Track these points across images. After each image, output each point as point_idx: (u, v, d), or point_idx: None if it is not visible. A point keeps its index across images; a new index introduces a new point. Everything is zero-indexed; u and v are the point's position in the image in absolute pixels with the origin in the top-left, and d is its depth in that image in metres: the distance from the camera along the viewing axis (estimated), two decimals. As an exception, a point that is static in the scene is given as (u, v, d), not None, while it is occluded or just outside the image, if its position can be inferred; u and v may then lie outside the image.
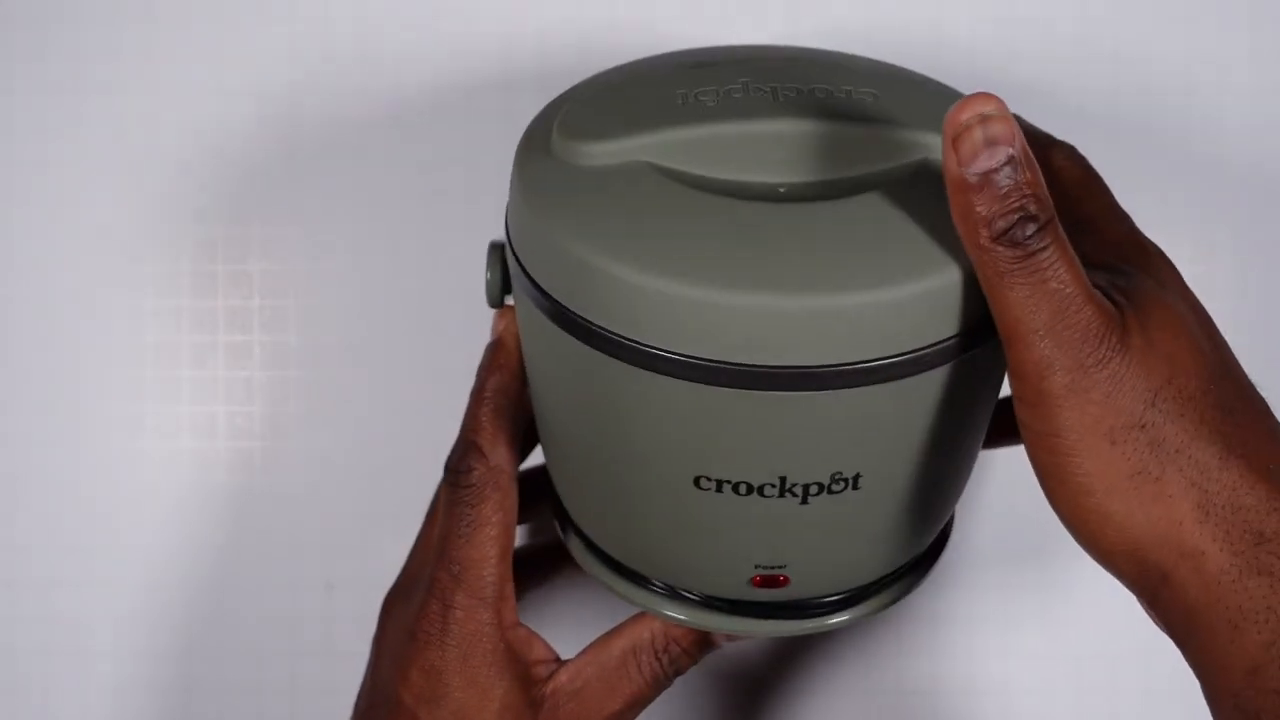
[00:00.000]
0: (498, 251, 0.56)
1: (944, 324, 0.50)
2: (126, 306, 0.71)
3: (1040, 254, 0.48)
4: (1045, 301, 0.48)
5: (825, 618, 0.58)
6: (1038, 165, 0.49)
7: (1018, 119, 0.57)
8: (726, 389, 0.50)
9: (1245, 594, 0.48)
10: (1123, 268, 0.52)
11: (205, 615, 0.71)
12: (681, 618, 0.58)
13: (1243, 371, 0.52)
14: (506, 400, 0.59)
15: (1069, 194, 0.55)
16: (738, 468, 0.52)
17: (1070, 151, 0.57)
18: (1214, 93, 0.70)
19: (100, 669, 0.71)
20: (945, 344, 0.50)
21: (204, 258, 0.71)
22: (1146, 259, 0.53)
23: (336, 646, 0.71)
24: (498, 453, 0.59)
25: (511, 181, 0.55)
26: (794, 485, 0.53)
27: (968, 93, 0.56)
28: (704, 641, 0.59)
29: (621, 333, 0.51)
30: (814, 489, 0.53)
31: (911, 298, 0.49)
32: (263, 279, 0.71)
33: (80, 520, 0.71)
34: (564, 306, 0.52)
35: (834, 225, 0.50)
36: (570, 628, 0.72)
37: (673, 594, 0.58)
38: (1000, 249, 0.48)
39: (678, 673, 0.59)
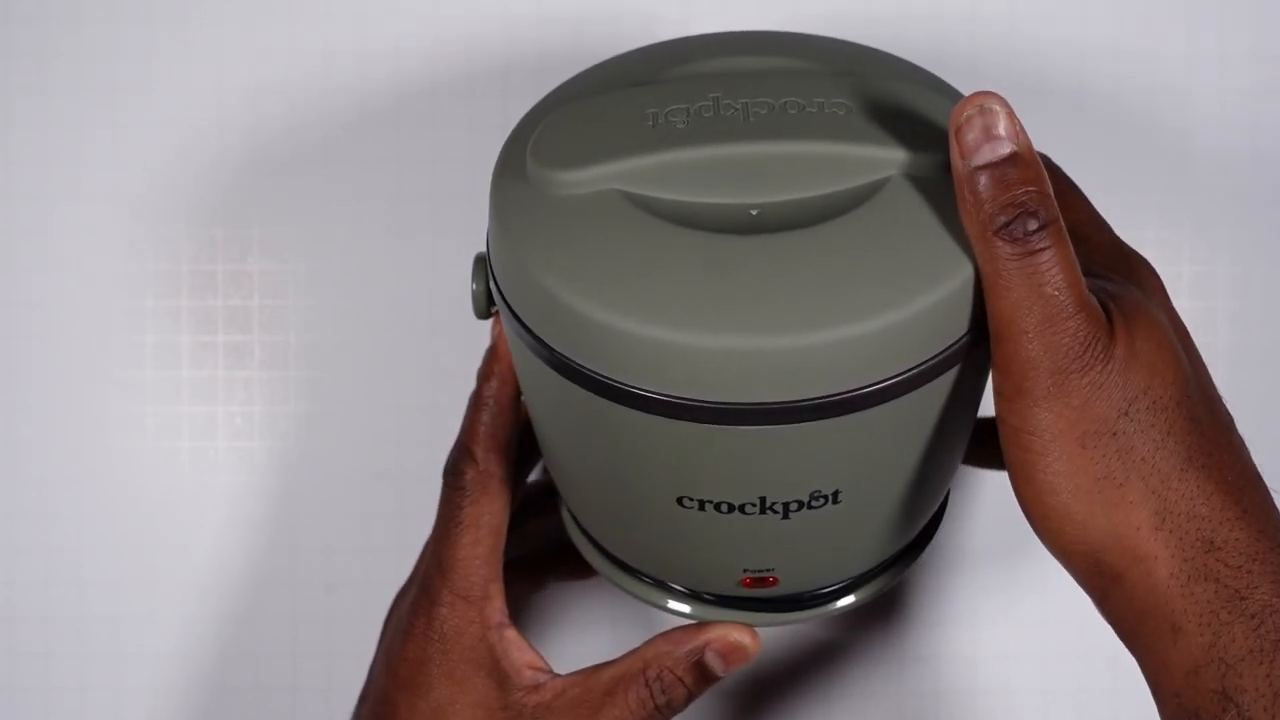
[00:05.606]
0: (483, 265, 0.56)
1: (914, 352, 0.51)
2: (126, 306, 0.71)
3: (1040, 254, 0.50)
4: (1039, 304, 0.50)
5: (821, 607, 0.59)
6: (1043, 167, 0.50)
7: None
8: (702, 425, 0.51)
9: (1190, 598, 0.50)
10: (1111, 275, 0.54)
11: (205, 615, 0.71)
12: (685, 609, 0.59)
13: (1212, 384, 0.54)
14: (500, 407, 0.60)
15: (1062, 205, 0.55)
16: (718, 491, 0.53)
17: (1046, 162, 0.57)
18: (1214, 91, 0.70)
19: (99, 669, 0.71)
20: (916, 370, 0.51)
21: (204, 258, 0.71)
22: (1132, 268, 0.55)
23: (336, 646, 0.71)
24: (489, 458, 0.60)
25: (490, 205, 0.55)
26: (774, 504, 0.53)
27: (948, 85, 0.56)
28: (701, 674, 0.58)
29: (594, 369, 0.51)
30: (794, 506, 0.53)
31: (882, 330, 0.50)
32: (263, 279, 0.71)
33: (79, 521, 0.71)
34: (540, 339, 0.52)
35: (804, 258, 0.50)
36: (569, 639, 0.72)
37: (671, 590, 0.59)
38: (1001, 244, 0.50)
39: (670, 704, 0.58)
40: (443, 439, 0.69)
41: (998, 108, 0.50)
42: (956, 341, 0.51)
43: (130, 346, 0.71)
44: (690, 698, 0.58)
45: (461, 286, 0.67)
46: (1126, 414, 0.50)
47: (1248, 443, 0.54)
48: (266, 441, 0.71)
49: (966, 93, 0.56)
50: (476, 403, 0.60)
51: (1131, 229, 0.70)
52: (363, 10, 0.70)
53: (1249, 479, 0.52)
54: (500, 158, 0.56)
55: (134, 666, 0.71)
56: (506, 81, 0.70)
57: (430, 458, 0.67)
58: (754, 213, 0.52)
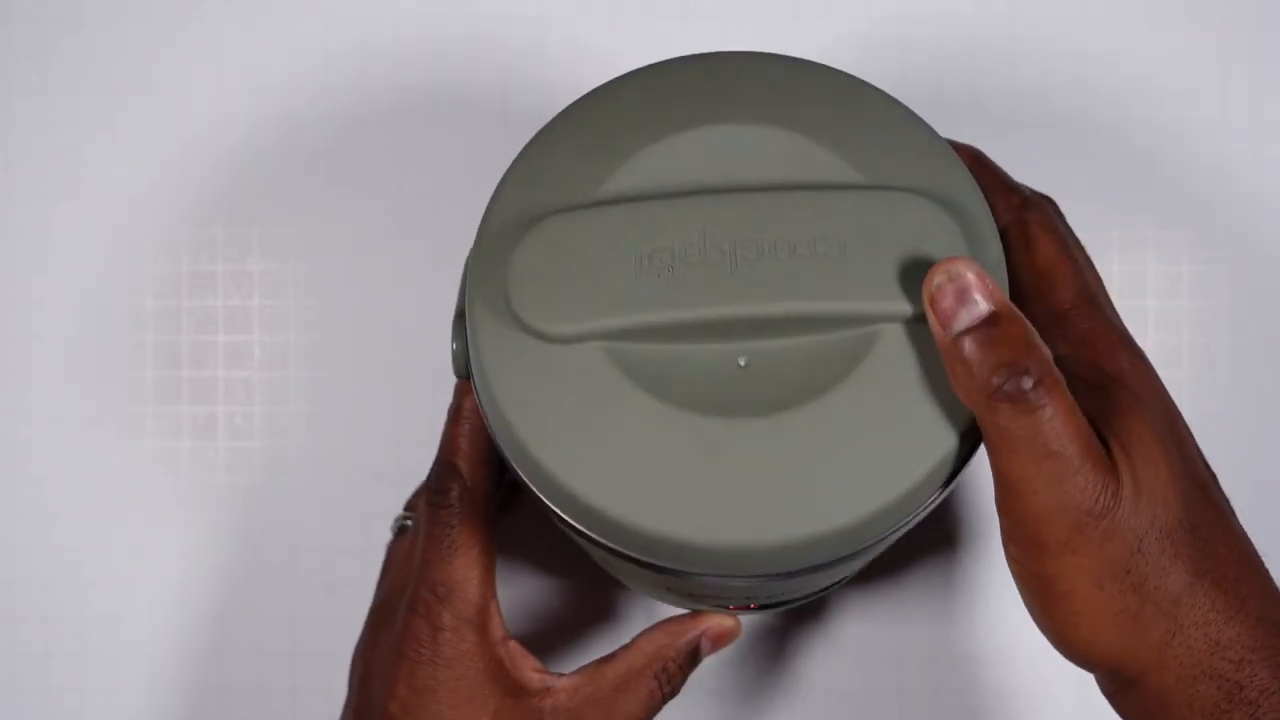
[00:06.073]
0: (462, 323, 0.55)
1: (892, 523, 0.52)
2: (126, 306, 0.71)
3: (1041, 412, 0.50)
4: (1046, 462, 0.50)
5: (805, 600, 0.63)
6: (1024, 318, 0.50)
7: (994, 166, 0.57)
8: (677, 576, 0.53)
9: (1195, 695, 0.52)
10: (1103, 381, 0.53)
11: (204, 615, 0.71)
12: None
13: (1202, 462, 0.55)
14: (480, 419, 0.59)
15: (1043, 277, 0.55)
16: (701, 599, 0.56)
17: (1042, 217, 0.56)
18: (1215, 92, 0.70)
19: (99, 669, 0.71)
20: (892, 532, 0.52)
21: (204, 258, 0.71)
22: (1120, 361, 0.54)
23: (336, 647, 0.71)
24: (475, 473, 0.60)
25: (468, 317, 0.54)
26: (752, 602, 0.56)
27: (950, 155, 0.55)
28: (694, 659, 0.61)
29: (571, 522, 0.52)
30: (770, 604, 0.57)
31: (860, 523, 0.51)
32: (263, 279, 0.71)
33: (80, 520, 0.71)
34: (521, 476, 0.53)
35: (784, 450, 0.51)
36: (560, 636, 0.72)
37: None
38: (1001, 405, 0.50)
39: (672, 691, 0.60)
40: (443, 439, 0.69)
41: (964, 269, 0.50)
42: (933, 497, 0.53)
43: (130, 346, 0.71)
44: (683, 681, 0.60)
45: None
46: (1139, 550, 0.51)
47: (1246, 443, 0.54)
48: (266, 441, 0.71)
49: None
50: (456, 416, 0.60)
51: (1132, 229, 0.70)
52: (362, 10, 0.70)
53: (1246, 563, 0.53)
54: (475, 260, 0.54)
55: (134, 666, 0.71)
56: (507, 81, 0.70)
57: (430, 458, 0.67)
58: (742, 362, 0.52)
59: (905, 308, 0.51)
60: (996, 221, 0.55)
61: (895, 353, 0.51)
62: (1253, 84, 0.70)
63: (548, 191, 0.54)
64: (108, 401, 0.71)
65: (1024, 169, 0.61)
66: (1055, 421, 0.50)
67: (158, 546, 0.71)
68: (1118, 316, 0.57)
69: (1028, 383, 0.49)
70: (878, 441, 0.51)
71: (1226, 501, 0.55)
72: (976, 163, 0.57)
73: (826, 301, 0.52)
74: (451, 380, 0.69)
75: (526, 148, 0.55)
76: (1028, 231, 0.56)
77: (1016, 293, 0.55)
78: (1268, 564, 0.54)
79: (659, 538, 0.51)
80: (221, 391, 0.71)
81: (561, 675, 0.59)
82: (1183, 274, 0.70)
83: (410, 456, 0.70)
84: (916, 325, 0.52)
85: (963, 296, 0.50)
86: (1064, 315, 0.55)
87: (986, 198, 0.55)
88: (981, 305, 0.50)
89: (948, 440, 0.51)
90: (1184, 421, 0.55)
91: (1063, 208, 0.58)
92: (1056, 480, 0.50)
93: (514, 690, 0.59)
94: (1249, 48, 0.70)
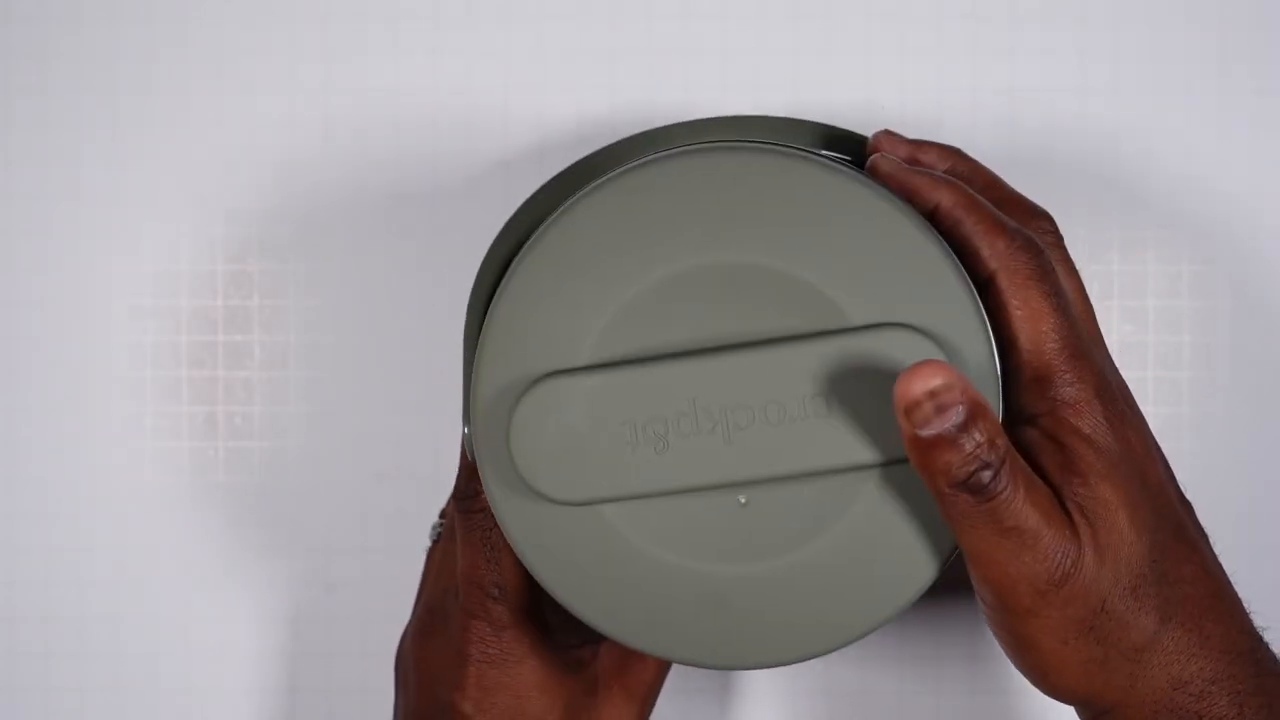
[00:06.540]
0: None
1: (876, 629, 0.56)
2: (126, 306, 0.71)
3: (999, 496, 0.52)
4: (1005, 539, 0.53)
5: None
6: (988, 408, 0.52)
7: (979, 203, 0.56)
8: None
9: None
10: (1073, 443, 0.55)
11: (204, 615, 0.71)
12: None
13: (1177, 506, 0.56)
14: None
15: (1028, 332, 0.55)
16: None
17: (1032, 263, 0.55)
18: (1214, 92, 0.70)
19: (99, 669, 0.71)
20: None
21: (204, 258, 0.71)
22: (1096, 419, 0.55)
23: (336, 647, 0.71)
24: None
25: (476, 459, 0.57)
26: None
27: (946, 260, 0.55)
28: None
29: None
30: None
31: (849, 641, 0.56)
32: (262, 279, 0.71)
33: (80, 520, 0.71)
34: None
35: (784, 593, 0.55)
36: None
37: None
38: (962, 495, 0.52)
39: None
40: (442, 439, 0.69)
41: (940, 382, 0.52)
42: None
43: (130, 346, 0.71)
44: None
45: (463, 286, 0.67)
46: (1102, 610, 0.54)
47: (1245, 442, 0.55)
48: (266, 441, 0.71)
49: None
50: None
51: (1132, 229, 0.70)
52: (362, 9, 0.70)
53: (1214, 596, 0.55)
54: (475, 419, 0.56)
55: (133, 666, 0.71)
56: (507, 79, 0.70)
57: (430, 458, 0.67)
58: (742, 500, 0.56)
59: (897, 453, 0.54)
60: (984, 268, 0.55)
61: (887, 490, 0.55)
62: (1252, 84, 0.70)
63: (537, 350, 0.56)
64: (108, 401, 0.71)
65: (1022, 169, 0.61)
66: (1012, 501, 0.52)
67: (157, 546, 0.71)
68: (1108, 359, 0.58)
69: (987, 475, 0.52)
70: (870, 577, 0.55)
71: (1201, 531, 0.57)
72: (960, 202, 0.56)
73: (820, 460, 0.55)
74: (452, 379, 0.69)
75: (511, 282, 0.56)
76: (1015, 282, 0.55)
77: (1002, 344, 0.55)
78: (1267, 564, 0.54)
79: (666, 658, 0.57)
80: (221, 391, 0.71)
81: (599, 644, 0.62)
82: (1183, 274, 0.70)
83: (410, 456, 0.70)
84: (900, 465, 0.55)
85: (941, 411, 0.52)
86: (1046, 373, 0.55)
87: (973, 243, 0.55)
88: (953, 416, 0.52)
89: (932, 566, 0.55)
90: (1161, 465, 0.57)
91: (1062, 208, 0.58)
92: (1015, 553, 0.53)
93: (572, 667, 0.61)
94: (1249, 48, 0.70)
